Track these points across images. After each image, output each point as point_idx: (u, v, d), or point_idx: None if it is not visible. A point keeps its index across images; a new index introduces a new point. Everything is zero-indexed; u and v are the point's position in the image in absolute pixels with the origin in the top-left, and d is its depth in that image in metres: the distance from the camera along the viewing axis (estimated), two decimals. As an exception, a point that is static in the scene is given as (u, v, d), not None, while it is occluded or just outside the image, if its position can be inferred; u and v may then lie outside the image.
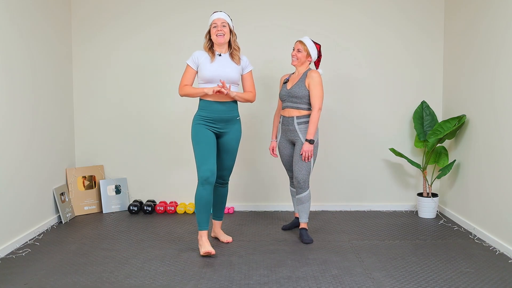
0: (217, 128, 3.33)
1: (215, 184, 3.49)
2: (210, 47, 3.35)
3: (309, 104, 3.58)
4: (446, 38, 4.36)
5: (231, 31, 3.34)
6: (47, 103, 4.00)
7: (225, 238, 3.60)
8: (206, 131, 3.29)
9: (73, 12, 4.49)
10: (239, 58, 3.38)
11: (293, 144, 3.67)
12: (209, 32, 3.35)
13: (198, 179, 3.26)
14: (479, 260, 3.16)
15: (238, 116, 3.44)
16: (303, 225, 3.66)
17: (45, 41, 3.96)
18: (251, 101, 3.48)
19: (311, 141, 3.49)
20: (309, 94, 3.54)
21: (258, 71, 4.44)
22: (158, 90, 4.50)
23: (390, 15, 4.43)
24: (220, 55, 3.33)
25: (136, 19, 4.48)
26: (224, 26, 3.28)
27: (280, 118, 3.73)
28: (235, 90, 3.37)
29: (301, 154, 3.51)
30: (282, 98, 3.68)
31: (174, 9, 4.41)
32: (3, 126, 3.32)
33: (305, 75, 3.60)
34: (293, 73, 3.78)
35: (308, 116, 3.59)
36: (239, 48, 3.40)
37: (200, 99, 3.34)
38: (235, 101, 3.40)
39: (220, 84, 3.23)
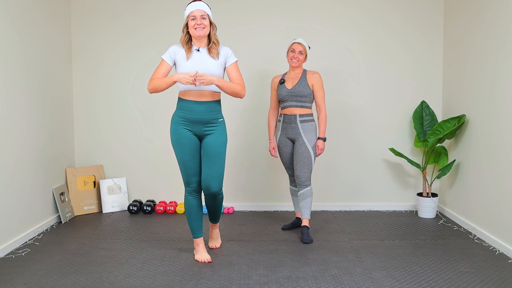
0: (197, 131, 3.06)
1: (206, 199, 3.19)
2: (188, 41, 3.05)
3: (311, 102, 3.70)
4: (446, 38, 4.36)
5: (211, 23, 3.03)
6: (47, 103, 3.99)
7: (213, 243, 3.45)
8: (187, 133, 3.05)
9: (72, 11, 4.48)
10: (218, 53, 3.05)
11: (293, 142, 3.70)
12: (186, 24, 3.03)
13: (185, 189, 3.16)
14: (479, 260, 3.16)
15: (221, 117, 3.12)
16: (305, 222, 3.64)
17: (44, 39, 3.96)
18: (240, 95, 3.08)
19: (324, 139, 3.68)
20: (312, 93, 3.66)
21: (259, 70, 4.45)
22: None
23: (390, 15, 4.42)
24: (198, 50, 3.04)
25: (136, 17, 4.48)
26: (203, 18, 2.96)
27: (280, 117, 3.75)
28: (217, 89, 3.06)
29: (316, 152, 3.66)
30: (283, 99, 3.69)
31: (174, 7, 4.41)
32: (2, 125, 3.32)
33: (305, 75, 3.69)
34: (285, 73, 3.80)
35: (310, 114, 3.68)
36: (218, 41, 3.07)
37: (179, 98, 3.08)
38: (217, 101, 3.10)
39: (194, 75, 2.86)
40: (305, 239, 3.54)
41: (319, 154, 3.67)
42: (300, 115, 3.64)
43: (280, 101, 3.74)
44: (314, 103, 3.74)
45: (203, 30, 2.97)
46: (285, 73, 3.80)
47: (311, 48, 3.98)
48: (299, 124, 3.63)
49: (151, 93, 3.06)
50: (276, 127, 3.82)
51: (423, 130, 4.29)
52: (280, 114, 3.77)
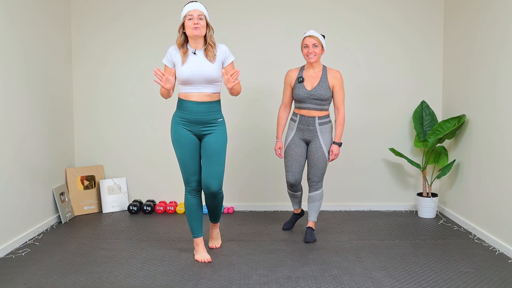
0: (197, 131, 3.08)
1: (206, 198, 3.20)
2: (183, 43, 3.07)
3: (330, 104, 3.55)
4: (446, 38, 4.36)
5: (207, 24, 3.04)
6: (46, 103, 3.99)
7: (213, 243, 3.45)
8: (186, 133, 3.07)
9: (72, 11, 4.48)
10: (214, 55, 3.05)
11: (307, 143, 3.55)
12: (182, 25, 3.04)
13: (185, 188, 3.18)
14: (479, 260, 3.16)
15: (221, 117, 3.14)
16: (310, 224, 3.60)
17: (44, 39, 3.95)
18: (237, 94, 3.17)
19: (340, 144, 3.51)
20: (332, 95, 3.50)
21: (258, 71, 4.44)
22: (158, 90, 4.49)
23: (390, 15, 4.42)
24: (194, 52, 3.05)
25: (136, 17, 4.48)
26: (200, 19, 2.97)
27: (296, 116, 3.54)
28: (216, 90, 3.10)
29: (330, 158, 3.50)
30: (301, 99, 3.46)
31: (174, 7, 4.40)
32: (2, 125, 3.32)
33: (325, 74, 3.48)
34: (302, 68, 3.55)
35: (328, 116, 3.53)
36: (214, 44, 3.07)
37: (179, 99, 3.10)
38: (217, 101, 3.12)
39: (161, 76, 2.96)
40: (307, 238, 3.52)
41: (332, 160, 3.50)
42: (319, 117, 3.46)
43: (296, 100, 3.51)
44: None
45: (199, 29, 2.98)
46: (302, 67, 3.54)
47: (325, 37, 3.79)
48: (318, 127, 3.46)
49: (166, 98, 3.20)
50: (288, 125, 3.60)
51: (423, 130, 4.29)
52: (295, 113, 3.55)
